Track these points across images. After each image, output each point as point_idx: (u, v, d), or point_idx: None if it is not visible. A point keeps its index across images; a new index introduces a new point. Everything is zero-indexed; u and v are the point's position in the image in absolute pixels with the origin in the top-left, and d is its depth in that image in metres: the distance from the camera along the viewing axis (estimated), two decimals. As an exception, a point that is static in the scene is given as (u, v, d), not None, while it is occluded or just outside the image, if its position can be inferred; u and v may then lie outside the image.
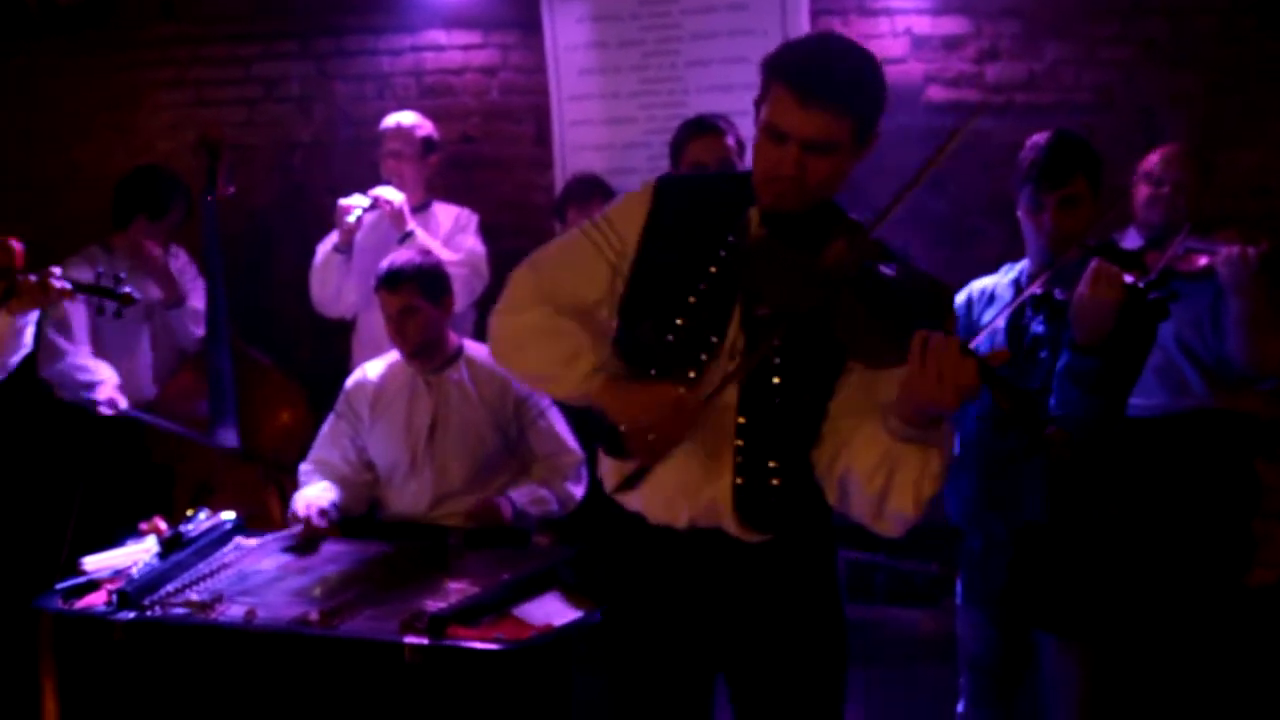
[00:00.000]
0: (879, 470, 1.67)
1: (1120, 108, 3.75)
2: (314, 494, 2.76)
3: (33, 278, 2.67)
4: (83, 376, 3.42)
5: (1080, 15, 3.78)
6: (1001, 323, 2.45)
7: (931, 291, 1.64)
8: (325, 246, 3.65)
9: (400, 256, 2.95)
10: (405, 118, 3.71)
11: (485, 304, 3.69)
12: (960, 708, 2.67)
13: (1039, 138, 2.43)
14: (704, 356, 1.78)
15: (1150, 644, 2.71)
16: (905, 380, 1.58)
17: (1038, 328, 2.42)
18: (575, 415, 2.98)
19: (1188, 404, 2.94)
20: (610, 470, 1.92)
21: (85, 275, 3.48)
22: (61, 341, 3.42)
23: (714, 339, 1.78)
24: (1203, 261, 2.80)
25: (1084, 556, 2.40)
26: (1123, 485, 2.45)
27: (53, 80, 4.50)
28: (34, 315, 2.80)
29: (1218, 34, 3.69)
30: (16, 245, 2.70)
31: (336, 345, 3.83)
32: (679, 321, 1.78)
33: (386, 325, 2.89)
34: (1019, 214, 2.47)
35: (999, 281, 2.55)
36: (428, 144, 3.71)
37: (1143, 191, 3.06)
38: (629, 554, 1.93)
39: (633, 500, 1.88)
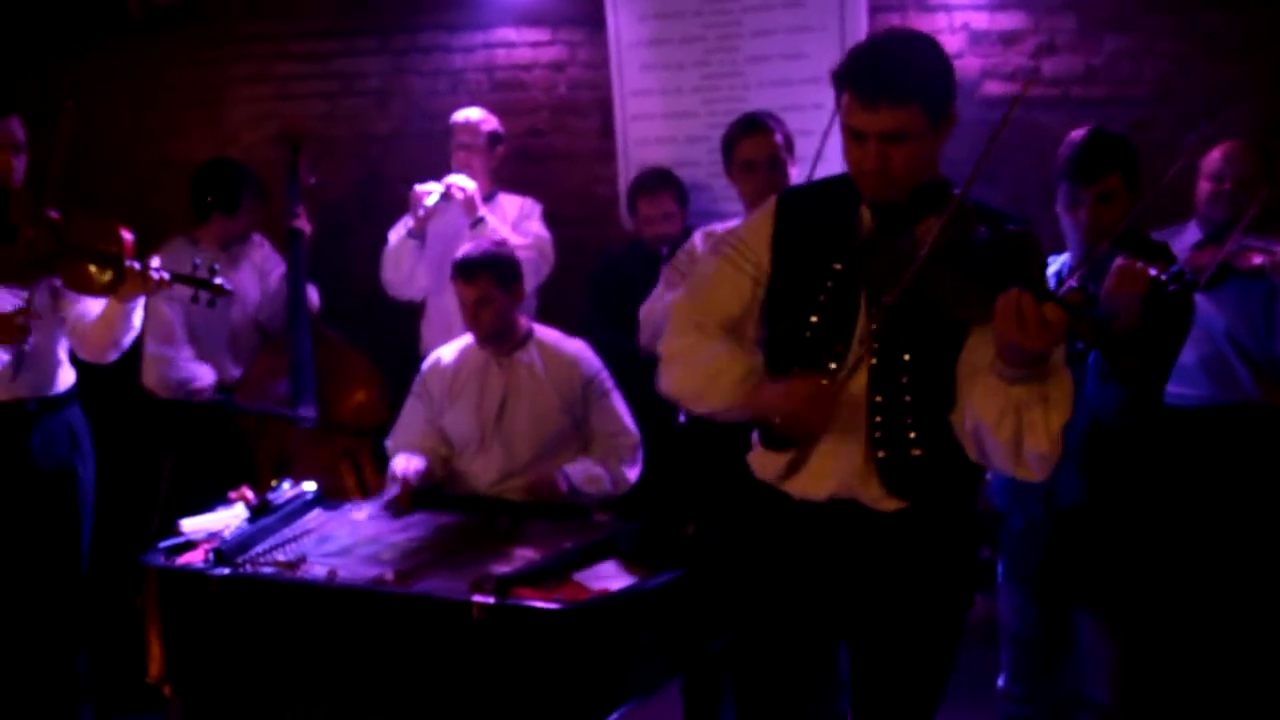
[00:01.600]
0: (1006, 417, 1.77)
1: (1179, 101, 3.74)
2: (409, 458, 2.91)
3: (137, 266, 2.86)
4: (188, 383, 3.59)
5: (1138, 8, 3.78)
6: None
7: (1016, 245, 1.76)
8: (397, 232, 3.80)
9: (476, 247, 3.08)
10: (473, 113, 3.85)
11: (548, 288, 3.85)
12: (1000, 682, 2.74)
13: (1076, 134, 2.50)
14: (839, 348, 1.93)
15: (1185, 621, 2.76)
16: (995, 333, 1.70)
17: (1076, 321, 2.50)
18: (636, 401, 3.11)
19: (1234, 398, 2.97)
20: (765, 462, 2.07)
21: (176, 266, 3.70)
22: (166, 350, 3.57)
23: (845, 330, 1.93)
24: (1257, 260, 2.80)
25: (1121, 537, 2.46)
26: (1162, 470, 2.50)
27: (147, 76, 4.69)
28: (141, 300, 2.99)
29: (1277, 25, 3.66)
30: (127, 235, 2.89)
31: (406, 328, 3.97)
32: (813, 319, 1.95)
33: (461, 312, 3.03)
34: (1057, 209, 2.53)
35: (1042, 272, 2.62)
36: (494, 138, 3.84)
37: (1204, 188, 3.08)
38: (767, 527, 2.08)
39: (776, 478, 2.04)
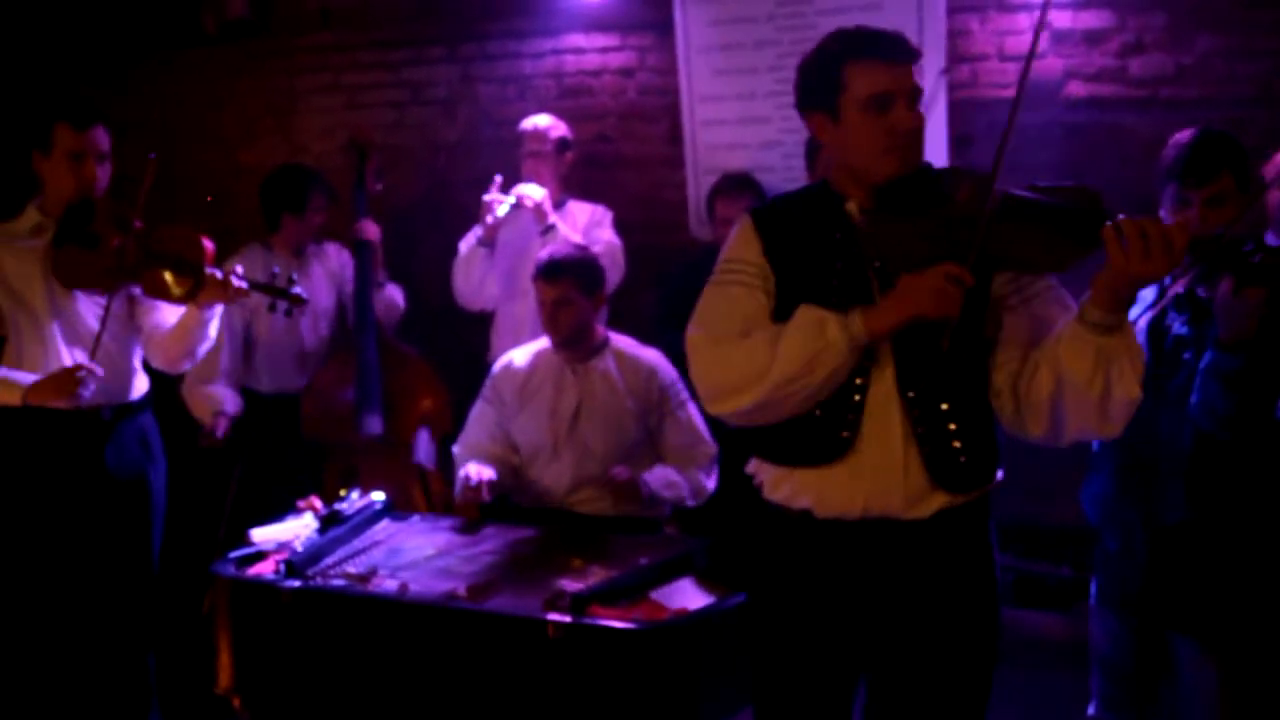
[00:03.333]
0: (1097, 370, 1.75)
1: (1277, 101, 3.60)
2: (481, 467, 2.87)
3: (218, 274, 2.86)
4: (202, 402, 3.55)
5: (1233, 4, 3.63)
6: (1144, 323, 2.42)
7: (1077, 190, 1.76)
8: (469, 241, 3.78)
9: (560, 249, 3.05)
10: (541, 120, 3.82)
11: (618, 296, 3.79)
12: (1091, 710, 2.64)
13: (1183, 135, 2.40)
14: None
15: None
16: (1108, 268, 1.69)
17: (1180, 329, 2.38)
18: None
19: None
20: (791, 484, 1.95)
21: (253, 273, 3.70)
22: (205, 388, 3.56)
23: None
24: None
25: (1227, 558, 2.34)
26: (1268, 485, 2.36)
27: (222, 86, 4.75)
28: (219, 309, 3.00)
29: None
30: (208, 244, 2.90)
31: (475, 337, 3.96)
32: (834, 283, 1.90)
33: (540, 313, 2.99)
34: (1162, 212, 2.43)
35: (1142, 280, 2.50)
36: (562, 144, 3.81)
37: (1275, 196, 2.95)
38: (785, 552, 1.97)
39: (799, 497, 1.93)
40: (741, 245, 1.98)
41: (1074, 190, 1.77)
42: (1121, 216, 1.68)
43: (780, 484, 1.96)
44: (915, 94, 1.84)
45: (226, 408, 3.54)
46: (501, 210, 3.66)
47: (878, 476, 1.87)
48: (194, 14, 4.63)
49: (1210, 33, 3.68)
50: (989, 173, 1.77)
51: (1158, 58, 3.75)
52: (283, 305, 3.09)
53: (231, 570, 2.46)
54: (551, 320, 2.95)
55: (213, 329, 3.02)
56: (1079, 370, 1.75)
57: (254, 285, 2.97)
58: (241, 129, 4.76)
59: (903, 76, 1.82)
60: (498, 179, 3.75)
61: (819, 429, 1.89)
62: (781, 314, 1.92)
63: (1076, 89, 3.82)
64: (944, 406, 1.87)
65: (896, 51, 1.83)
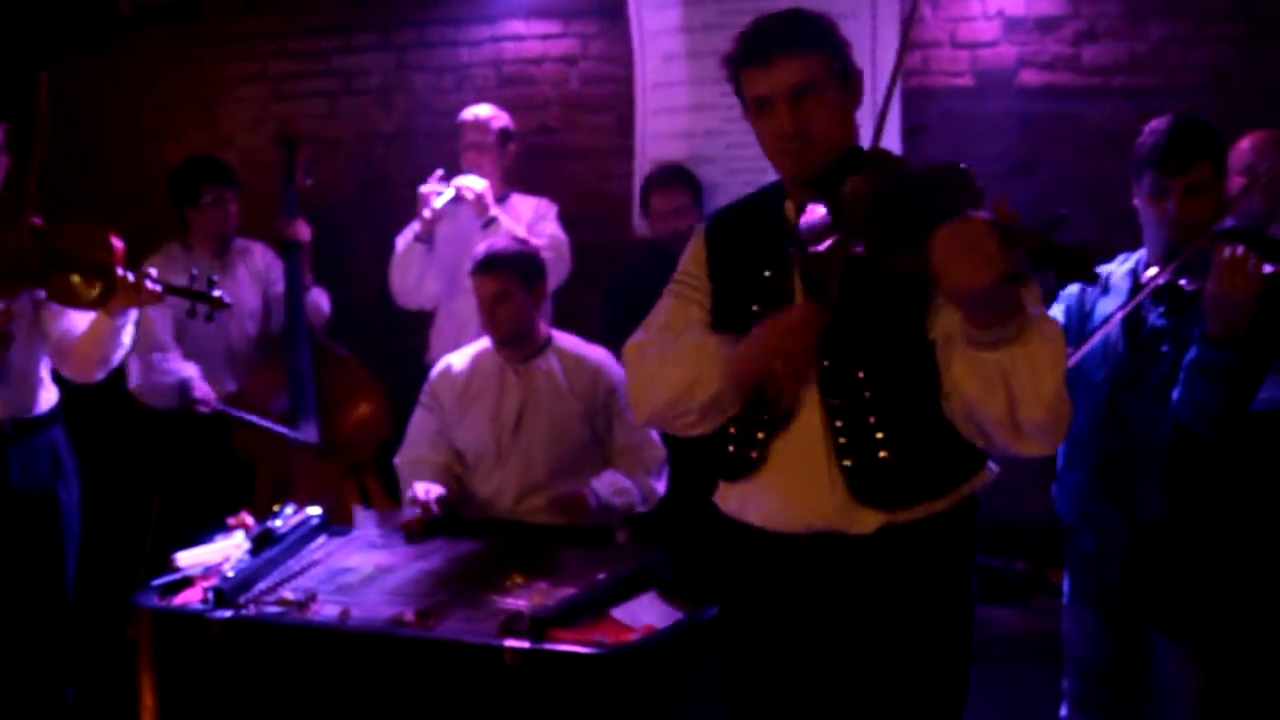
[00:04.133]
0: (993, 389, 1.59)
1: (1231, 87, 3.58)
2: (428, 485, 2.76)
3: (130, 277, 2.67)
4: (171, 380, 3.42)
5: (1187, -10, 3.63)
6: (1120, 314, 2.35)
7: (944, 176, 1.57)
8: (405, 237, 3.64)
9: (498, 242, 2.95)
10: (482, 110, 3.70)
11: (564, 293, 3.67)
12: (1064, 712, 2.57)
13: (1159, 122, 2.33)
14: None
15: (1276, 650, 2.58)
16: (945, 286, 1.53)
17: (1157, 320, 2.32)
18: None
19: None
20: (736, 497, 1.90)
21: (170, 274, 3.51)
22: (152, 353, 3.42)
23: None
24: None
25: (1208, 555, 2.29)
26: (1248, 481, 2.31)
27: (141, 77, 4.54)
28: (133, 314, 2.81)
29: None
30: (117, 243, 2.71)
31: (414, 338, 3.82)
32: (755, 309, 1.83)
33: (480, 310, 2.87)
34: (1136, 201, 2.37)
35: (1114, 271, 2.45)
36: (505, 135, 3.71)
37: (1236, 183, 2.93)
38: (745, 569, 1.90)
39: (751, 512, 1.85)
40: (691, 252, 1.97)
41: (940, 178, 1.58)
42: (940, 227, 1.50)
43: (727, 496, 1.92)
44: (801, 89, 1.72)
45: (187, 372, 3.39)
46: (439, 202, 3.52)
47: (805, 491, 1.79)
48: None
49: (1162, 19, 3.68)
50: (873, 166, 1.64)
51: (1111, 45, 3.73)
52: (203, 309, 2.94)
53: (154, 600, 2.27)
54: (490, 316, 2.84)
55: (127, 335, 2.83)
56: (973, 389, 1.63)
57: (170, 289, 2.80)
58: (163, 122, 4.54)
59: (778, 76, 1.73)
60: (438, 172, 3.59)
61: (734, 443, 1.87)
62: (717, 317, 1.90)
63: (1030, 77, 3.78)
64: (871, 419, 1.75)
65: (767, 51, 1.74)
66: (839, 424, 1.76)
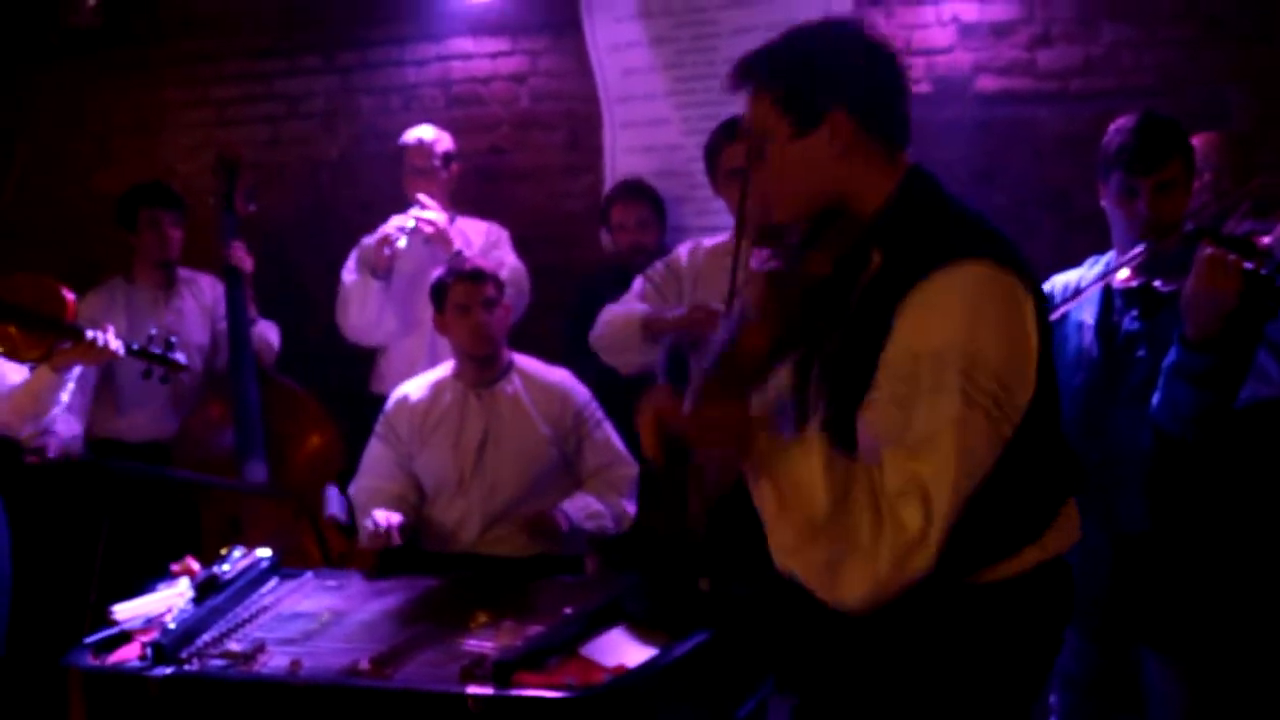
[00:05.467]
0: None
1: (1184, 89, 3.57)
2: (387, 513, 2.68)
3: (90, 335, 2.54)
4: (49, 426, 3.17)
5: (1136, -7, 3.62)
6: (1091, 321, 2.30)
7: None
8: (350, 270, 3.55)
9: (461, 258, 2.99)
10: (425, 133, 3.62)
11: (522, 321, 3.57)
12: (1050, 728, 2.52)
13: (1126, 121, 2.29)
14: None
15: (1264, 661, 2.53)
16: None
17: (1131, 324, 2.28)
18: (627, 429, 2.84)
19: (1268, 393, 2.78)
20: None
21: (108, 310, 3.37)
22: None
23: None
24: (1266, 241, 2.66)
25: (1193, 566, 2.25)
26: (1232, 485, 2.28)
27: (72, 104, 4.43)
28: (77, 370, 2.68)
29: (1283, 8, 3.52)
30: (69, 296, 2.59)
31: (354, 371, 3.74)
32: None
33: (462, 323, 2.80)
34: (1104, 203, 2.33)
35: (1083, 275, 2.41)
36: (448, 158, 3.63)
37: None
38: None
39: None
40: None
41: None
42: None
43: None
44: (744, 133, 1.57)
45: (57, 427, 3.14)
46: (402, 243, 3.42)
47: None
48: (42, 23, 4.28)
49: (1114, 22, 3.66)
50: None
51: (1065, 49, 3.71)
52: (159, 372, 2.87)
53: (87, 659, 2.13)
54: (482, 324, 2.79)
55: (66, 393, 2.70)
56: None
57: (129, 351, 2.68)
58: (98, 150, 4.43)
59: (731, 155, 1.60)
60: (410, 213, 3.47)
61: None
62: None
63: (987, 83, 3.76)
64: None
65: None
66: None
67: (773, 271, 1.50)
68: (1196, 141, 2.88)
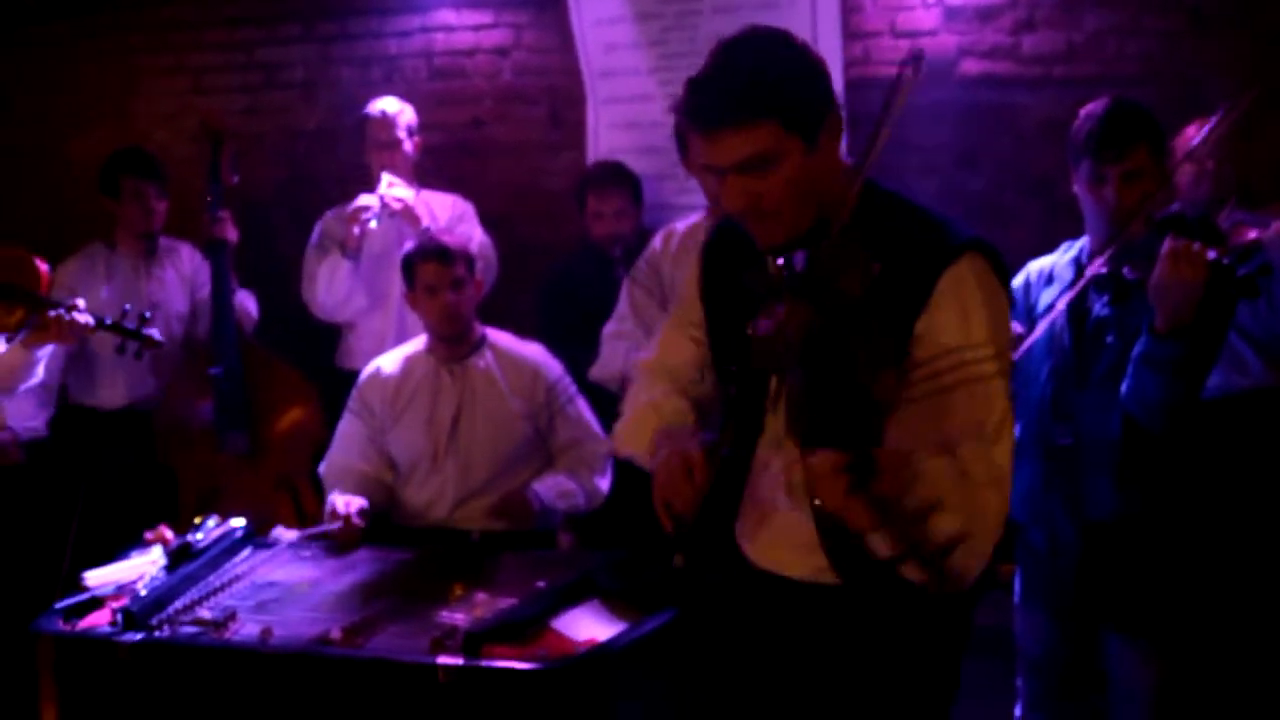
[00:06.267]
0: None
1: (1166, 78, 3.59)
2: (348, 498, 2.67)
3: (62, 313, 2.51)
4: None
5: (1118, -21, 3.63)
6: (1063, 304, 2.32)
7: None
8: (316, 251, 3.52)
9: (429, 235, 2.95)
10: (389, 105, 3.59)
11: (494, 292, 3.54)
12: (1018, 711, 2.55)
13: (1094, 107, 2.30)
14: (758, 408, 1.66)
15: (1227, 644, 2.57)
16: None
17: (1101, 310, 2.30)
18: (601, 405, 2.87)
19: (1245, 384, 2.81)
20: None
21: (89, 276, 3.34)
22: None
23: (760, 399, 1.65)
24: (1252, 234, 2.67)
25: (1161, 550, 2.27)
26: (1198, 474, 2.31)
27: (47, 70, 4.37)
28: (50, 347, 2.66)
29: (1266, -4, 3.53)
30: (43, 267, 2.56)
31: (327, 343, 3.72)
32: (733, 369, 1.69)
33: (431, 302, 2.79)
34: (1076, 189, 2.34)
35: (1057, 261, 2.42)
36: (411, 130, 3.60)
37: (1188, 170, 2.93)
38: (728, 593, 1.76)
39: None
40: (689, 279, 1.82)
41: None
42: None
43: None
44: (752, 164, 1.51)
45: (11, 422, 3.16)
46: (374, 223, 3.40)
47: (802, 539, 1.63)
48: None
49: (1098, 10, 3.67)
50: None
51: (1050, 35, 3.72)
52: (133, 347, 2.85)
53: (57, 624, 2.13)
54: (452, 304, 2.78)
55: (41, 368, 2.67)
56: None
57: (100, 325, 2.66)
58: (73, 116, 4.37)
59: (722, 152, 1.51)
60: (377, 192, 3.43)
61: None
62: (716, 357, 1.75)
63: (970, 67, 3.76)
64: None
65: (711, 123, 1.51)
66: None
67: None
68: (1193, 129, 2.88)
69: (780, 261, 1.56)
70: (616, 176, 3.53)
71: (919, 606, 1.61)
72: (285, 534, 2.46)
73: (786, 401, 1.59)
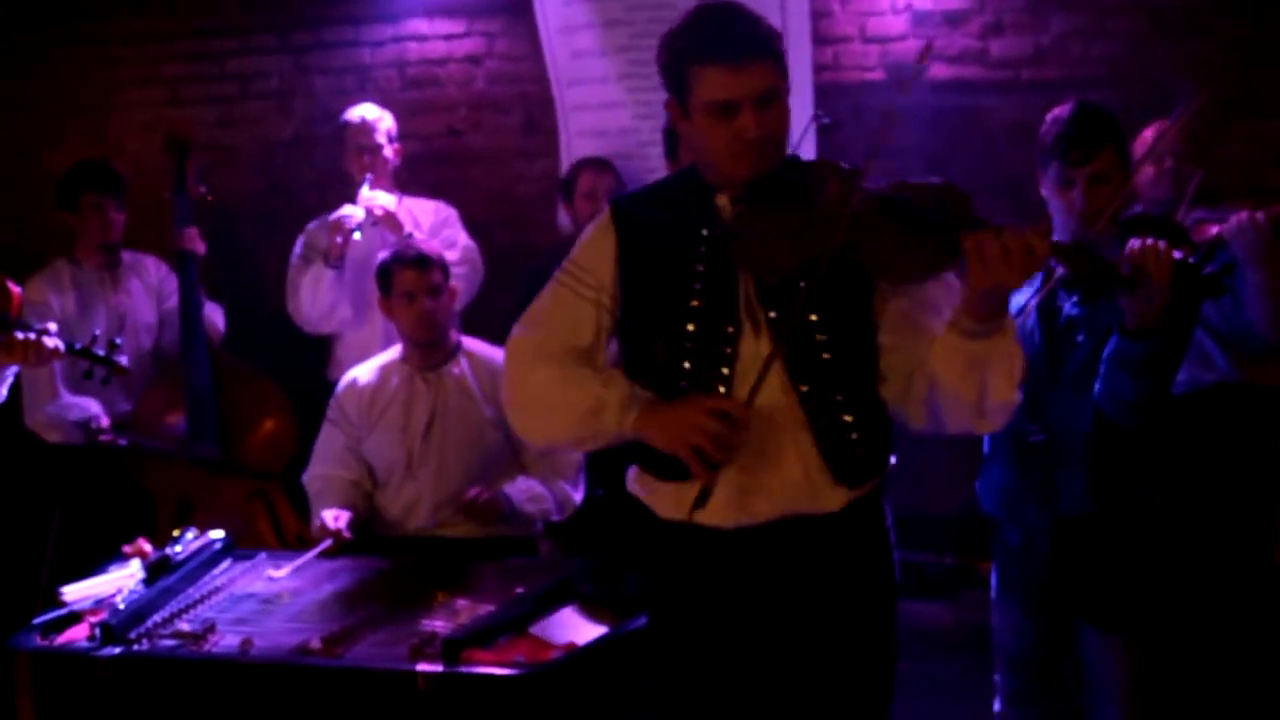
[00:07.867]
0: (969, 375, 1.71)
1: (1130, 81, 3.64)
2: (334, 512, 2.67)
3: (31, 336, 2.52)
4: (76, 415, 3.28)
5: (1083, -17, 3.69)
6: (1033, 304, 2.35)
7: (943, 192, 1.70)
8: (299, 262, 3.51)
9: (404, 243, 2.96)
10: (369, 111, 3.59)
11: (475, 301, 3.57)
12: (997, 707, 2.57)
13: (1061, 110, 2.34)
14: (728, 350, 1.76)
15: (1200, 636, 2.61)
16: (971, 278, 1.65)
17: (1071, 309, 2.33)
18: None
19: (1211, 379, 2.85)
20: (667, 498, 1.83)
21: (56, 291, 3.33)
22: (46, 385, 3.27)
23: (730, 330, 1.76)
24: (1214, 230, 2.73)
25: (1130, 546, 2.30)
26: (1167, 469, 2.34)
27: (18, 81, 4.34)
28: (15, 369, 2.65)
29: (1227, 2, 3.59)
30: (14, 289, 2.55)
31: (315, 354, 3.71)
32: (690, 328, 1.77)
33: (408, 310, 2.79)
34: (1044, 192, 2.38)
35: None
36: (391, 136, 3.60)
37: (1148, 170, 2.98)
38: (691, 573, 1.84)
39: (704, 514, 1.77)
40: (592, 242, 1.87)
41: (943, 193, 1.69)
42: (982, 229, 1.64)
43: (666, 501, 1.82)
44: (768, 96, 1.71)
45: (91, 409, 3.25)
46: (358, 234, 3.39)
47: (783, 477, 1.77)
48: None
49: (1064, 13, 3.73)
50: (858, 169, 1.72)
51: (1017, 39, 3.77)
52: (100, 373, 2.84)
53: (34, 640, 2.12)
54: (430, 311, 2.79)
55: (5, 389, 2.66)
56: (950, 376, 1.72)
57: (70, 350, 2.68)
58: (44, 129, 4.34)
59: (749, 81, 1.69)
60: (358, 207, 3.43)
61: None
62: (631, 327, 1.83)
63: (939, 71, 3.80)
64: (838, 398, 1.78)
65: (741, 53, 1.69)
66: (811, 406, 1.76)
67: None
68: (1152, 130, 2.91)
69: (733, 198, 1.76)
70: (608, 164, 3.59)
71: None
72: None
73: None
